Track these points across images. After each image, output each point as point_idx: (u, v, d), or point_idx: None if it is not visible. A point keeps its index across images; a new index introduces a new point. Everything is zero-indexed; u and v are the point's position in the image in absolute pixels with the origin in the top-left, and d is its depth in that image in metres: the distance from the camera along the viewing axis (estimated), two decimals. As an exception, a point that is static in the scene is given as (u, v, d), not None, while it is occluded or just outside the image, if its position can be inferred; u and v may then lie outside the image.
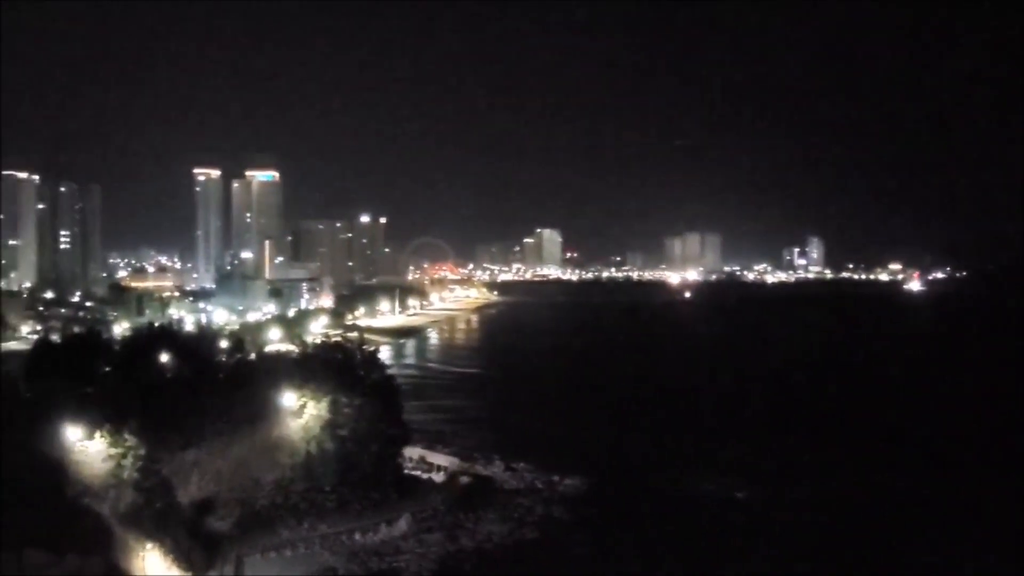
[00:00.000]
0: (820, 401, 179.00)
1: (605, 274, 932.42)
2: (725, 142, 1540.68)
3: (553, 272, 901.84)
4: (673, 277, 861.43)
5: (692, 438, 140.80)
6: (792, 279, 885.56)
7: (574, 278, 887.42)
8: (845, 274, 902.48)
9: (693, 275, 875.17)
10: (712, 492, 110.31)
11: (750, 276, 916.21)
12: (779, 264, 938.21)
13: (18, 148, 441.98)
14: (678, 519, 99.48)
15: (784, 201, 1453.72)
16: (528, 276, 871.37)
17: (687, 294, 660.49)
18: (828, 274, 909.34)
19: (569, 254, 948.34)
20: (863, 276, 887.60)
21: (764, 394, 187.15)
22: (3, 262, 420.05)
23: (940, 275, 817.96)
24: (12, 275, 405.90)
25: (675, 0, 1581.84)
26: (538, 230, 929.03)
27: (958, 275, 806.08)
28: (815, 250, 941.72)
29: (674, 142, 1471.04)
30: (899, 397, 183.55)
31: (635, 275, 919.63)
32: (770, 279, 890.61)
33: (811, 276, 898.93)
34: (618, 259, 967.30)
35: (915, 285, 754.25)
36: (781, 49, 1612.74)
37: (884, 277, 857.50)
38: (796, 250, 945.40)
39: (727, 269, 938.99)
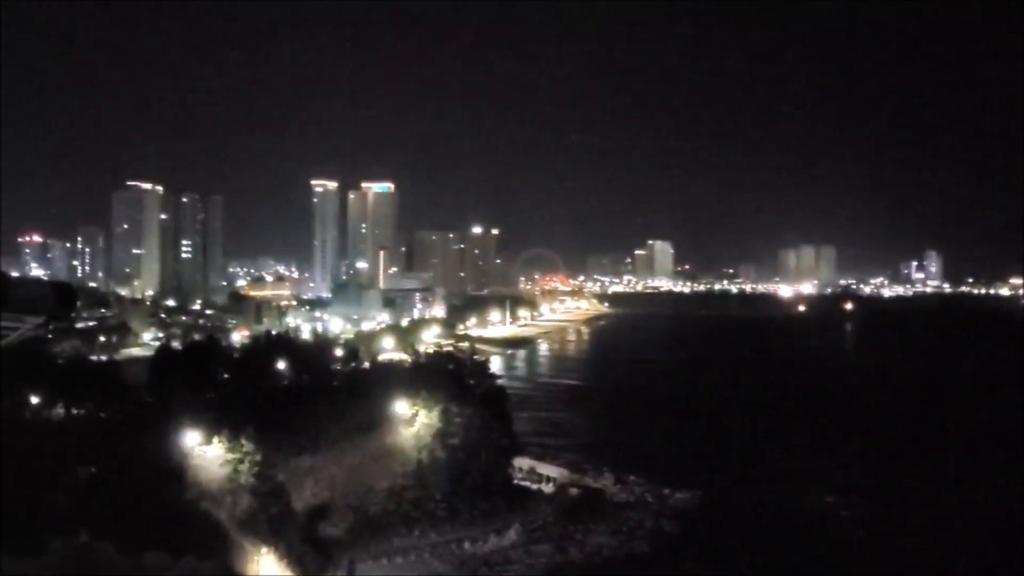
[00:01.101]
0: (942, 421, 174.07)
1: (717, 287, 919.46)
2: (841, 153, 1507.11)
3: (664, 284, 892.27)
4: (785, 290, 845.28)
5: (803, 454, 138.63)
6: (910, 293, 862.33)
7: (686, 290, 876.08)
8: (964, 288, 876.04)
9: (807, 288, 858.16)
10: (822, 509, 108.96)
11: (866, 290, 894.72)
12: (896, 278, 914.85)
13: (143, 160, 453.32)
14: (788, 536, 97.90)
15: (902, 214, 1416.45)
16: (639, 288, 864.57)
17: (801, 308, 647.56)
18: (947, 288, 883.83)
19: (681, 266, 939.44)
20: (983, 291, 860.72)
21: (880, 412, 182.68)
22: (128, 270, 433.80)
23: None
24: (136, 283, 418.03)
25: (796, 6, 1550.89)
26: (650, 242, 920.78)
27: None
28: (933, 264, 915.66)
29: (786, 155, 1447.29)
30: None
31: (748, 288, 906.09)
32: (887, 293, 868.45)
33: (929, 290, 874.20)
34: (731, 271, 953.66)
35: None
36: (900, 58, 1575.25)
37: (1004, 292, 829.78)
38: (914, 263, 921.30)
39: (842, 282, 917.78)
